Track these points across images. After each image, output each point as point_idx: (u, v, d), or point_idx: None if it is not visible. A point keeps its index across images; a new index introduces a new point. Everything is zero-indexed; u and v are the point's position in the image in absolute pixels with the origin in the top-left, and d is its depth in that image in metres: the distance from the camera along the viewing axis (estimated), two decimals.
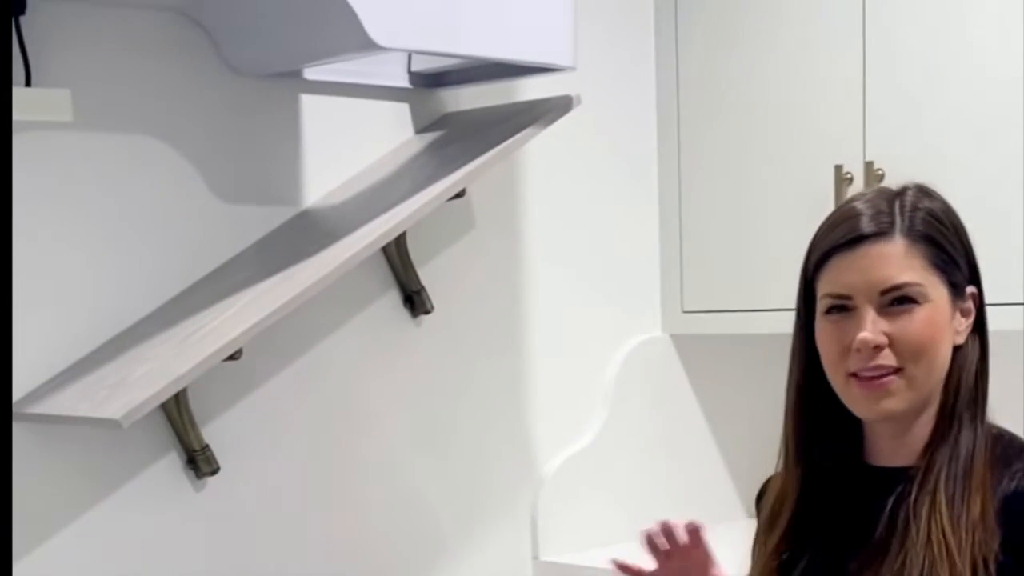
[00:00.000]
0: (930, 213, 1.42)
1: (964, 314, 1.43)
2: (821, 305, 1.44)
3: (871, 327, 1.38)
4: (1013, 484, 1.37)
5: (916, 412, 1.43)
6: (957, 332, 1.42)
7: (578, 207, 2.70)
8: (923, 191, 1.45)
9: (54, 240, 2.00)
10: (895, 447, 1.45)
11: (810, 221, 2.35)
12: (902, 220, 1.40)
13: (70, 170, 2.02)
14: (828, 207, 2.45)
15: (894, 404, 1.40)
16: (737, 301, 2.70)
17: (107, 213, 2.07)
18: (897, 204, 1.42)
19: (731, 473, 2.89)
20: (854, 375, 1.40)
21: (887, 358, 1.39)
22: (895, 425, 1.44)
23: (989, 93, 2.31)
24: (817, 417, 1.48)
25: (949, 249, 1.42)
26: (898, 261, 1.39)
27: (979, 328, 1.45)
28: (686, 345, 2.86)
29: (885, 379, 1.39)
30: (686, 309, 2.81)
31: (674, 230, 2.81)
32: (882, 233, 1.40)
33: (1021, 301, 2.25)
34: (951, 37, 2.35)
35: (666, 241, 2.83)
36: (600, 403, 2.74)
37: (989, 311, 1.45)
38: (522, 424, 2.63)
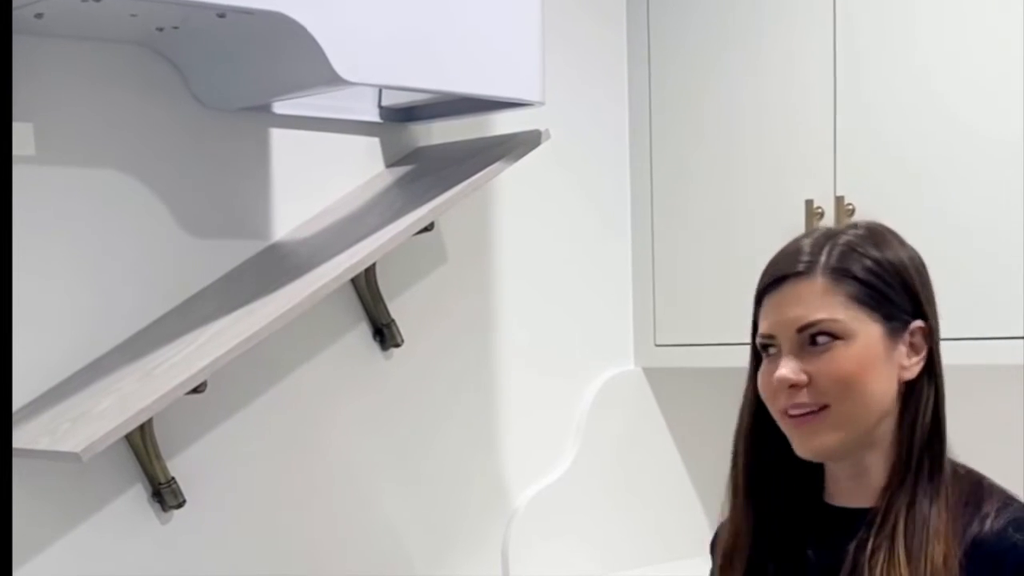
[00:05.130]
0: (855, 249, 1.41)
1: (914, 349, 1.42)
2: (758, 344, 1.45)
3: (787, 365, 1.39)
4: (974, 529, 1.35)
5: (862, 449, 1.42)
6: (903, 367, 1.41)
7: (549, 241, 2.71)
8: (870, 232, 1.44)
9: (17, 273, 1.99)
10: (853, 487, 1.45)
11: None
12: (827, 259, 1.40)
13: (34, 204, 2.02)
14: None
15: (824, 441, 1.40)
16: (710, 335, 2.70)
17: (73, 247, 2.08)
18: (829, 243, 1.42)
19: (704, 507, 2.89)
20: (785, 413, 1.41)
21: (807, 396, 1.39)
22: (848, 464, 1.44)
23: (957, 128, 2.32)
24: (771, 458, 1.47)
25: (878, 284, 1.40)
26: (816, 299, 1.39)
27: (931, 366, 1.43)
28: (658, 379, 2.86)
29: (808, 417, 1.39)
30: (659, 343, 2.81)
31: (646, 263, 2.82)
32: (802, 273, 1.41)
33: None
34: (920, 74, 2.37)
35: (638, 274, 2.84)
36: (572, 436, 2.74)
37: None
38: (493, 458, 2.63)
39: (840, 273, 1.40)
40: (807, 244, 1.43)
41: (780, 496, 1.48)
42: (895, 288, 1.41)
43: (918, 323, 1.42)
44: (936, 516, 1.37)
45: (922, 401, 1.42)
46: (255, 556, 2.27)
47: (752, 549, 1.48)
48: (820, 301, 1.39)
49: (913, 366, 1.42)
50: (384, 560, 2.45)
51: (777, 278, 1.42)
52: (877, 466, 1.42)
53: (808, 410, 1.39)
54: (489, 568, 2.61)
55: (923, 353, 1.42)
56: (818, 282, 1.40)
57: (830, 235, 1.44)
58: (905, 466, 1.40)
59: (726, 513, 1.53)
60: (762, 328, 1.43)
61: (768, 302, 1.43)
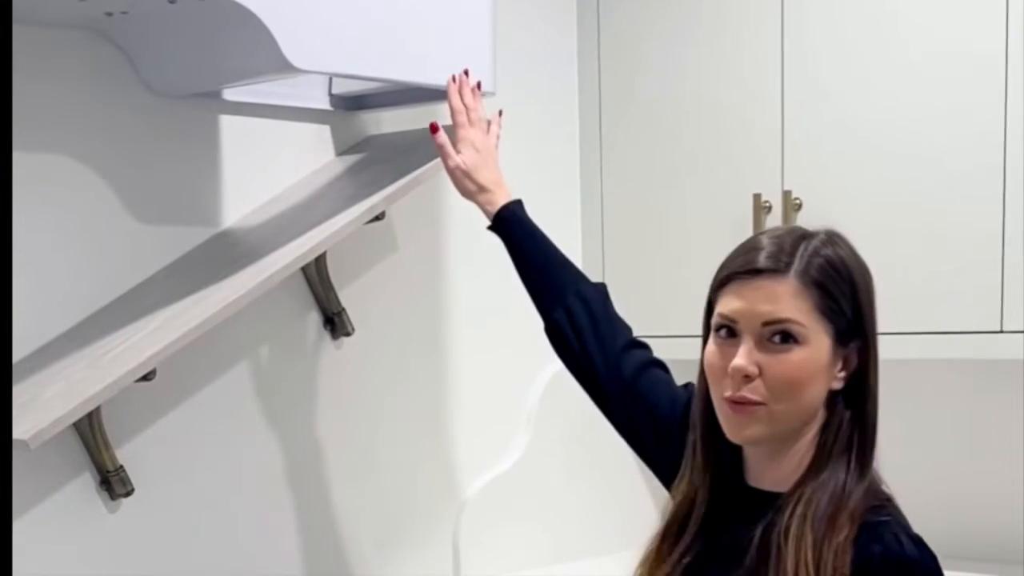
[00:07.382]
0: (828, 260, 1.47)
1: (846, 364, 1.49)
2: (714, 323, 1.50)
3: (746, 356, 1.45)
4: (874, 547, 1.40)
5: (783, 440, 1.49)
6: (835, 378, 1.48)
7: None
8: (831, 239, 1.50)
9: None
10: (767, 469, 1.52)
11: (729, 248, 2.35)
12: (799, 263, 1.46)
13: None
14: (747, 235, 2.50)
15: (756, 432, 1.47)
16: (658, 327, 2.70)
17: (21, 233, 2.04)
18: (801, 247, 1.47)
19: (653, 497, 2.90)
20: (727, 398, 1.47)
21: (754, 391, 1.45)
22: (765, 449, 1.51)
23: (903, 125, 2.35)
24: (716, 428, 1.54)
25: (839, 297, 1.46)
26: (787, 300, 1.45)
27: (861, 379, 1.50)
28: None
29: (750, 407, 1.46)
30: None
31: (596, 256, 2.83)
32: (777, 271, 1.46)
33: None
34: (867, 72, 2.40)
35: (588, 267, 2.85)
36: (523, 426, 2.75)
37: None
38: (444, 447, 2.63)
39: (809, 280, 1.45)
40: (786, 243, 1.48)
41: (723, 470, 1.55)
42: (853, 308, 1.48)
43: (857, 342, 1.49)
44: (845, 508, 1.42)
45: (844, 410, 1.49)
46: (203, 545, 2.26)
47: (704, 519, 1.54)
48: (790, 303, 1.45)
49: (842, 379, 1.49)
50: (335, 549, 2.45)
51: (752, 270, 1.46)
52: (793, 455, 1.49)
53: (749, 401, 1.45)
54: (440, 557, 2.62)
55: (852, 368, 1.49)
56: (791, 284, 1.45)
57: (800, 239, 1.49)
58: (824, 462, 1.47)
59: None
60: (724, 310, 1.48)
61: (735, 288, 1.48)
